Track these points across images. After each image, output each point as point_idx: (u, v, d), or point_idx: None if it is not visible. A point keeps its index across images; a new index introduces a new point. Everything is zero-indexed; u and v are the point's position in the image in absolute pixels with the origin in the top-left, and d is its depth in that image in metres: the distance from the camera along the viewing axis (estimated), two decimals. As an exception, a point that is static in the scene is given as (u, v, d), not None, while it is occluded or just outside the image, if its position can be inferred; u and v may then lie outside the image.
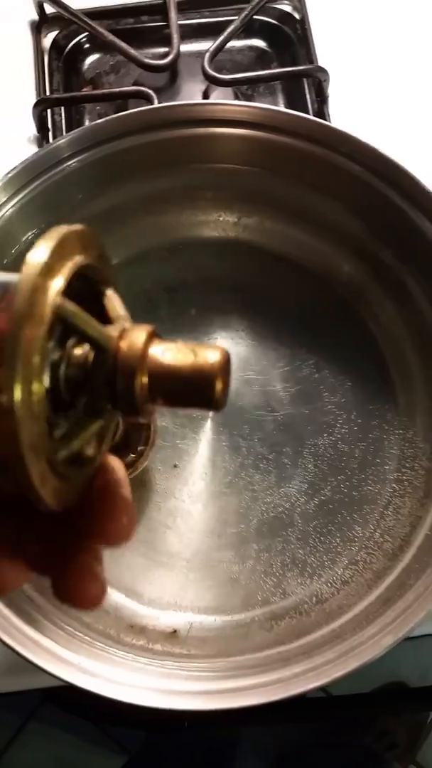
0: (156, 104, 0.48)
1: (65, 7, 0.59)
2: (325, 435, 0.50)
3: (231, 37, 0.59)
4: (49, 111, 0.60)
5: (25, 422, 0.17)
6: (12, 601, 0.40)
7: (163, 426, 0.50)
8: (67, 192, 0.46)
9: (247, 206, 0.51)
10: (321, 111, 0.60)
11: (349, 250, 0.50)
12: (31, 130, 0.60)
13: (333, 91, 0.60)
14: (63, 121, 0.61)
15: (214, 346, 0.21)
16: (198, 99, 0.60)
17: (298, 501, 0.49)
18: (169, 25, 0.60)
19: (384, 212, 0.45)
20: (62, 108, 0.61)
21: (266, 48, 0.65)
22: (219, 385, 0.20)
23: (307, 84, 0.62)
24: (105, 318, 0.22)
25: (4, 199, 0.43)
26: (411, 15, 0.64)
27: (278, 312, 0.52)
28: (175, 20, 0.60)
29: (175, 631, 0.46)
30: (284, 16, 0.64)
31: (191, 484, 0.49)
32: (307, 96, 0.62)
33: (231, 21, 0.60)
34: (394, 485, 0.48)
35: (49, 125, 0.60)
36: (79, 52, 0.64)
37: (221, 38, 0.58)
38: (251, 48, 0.65)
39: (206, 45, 0.60)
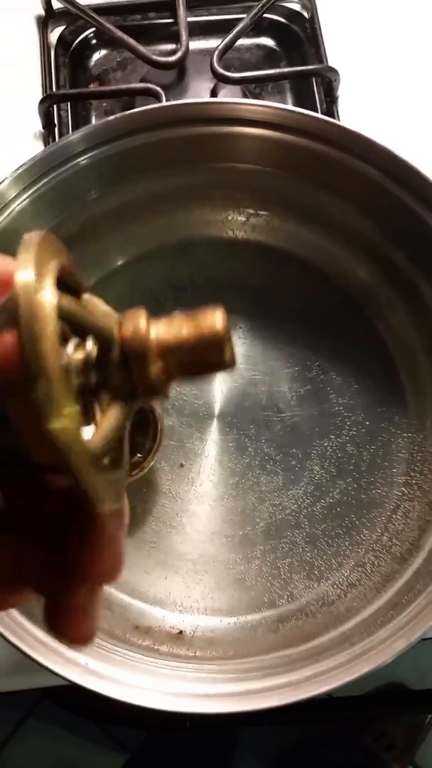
0: (168, 102, 0.48)
1: (72, 2, 0.59)
2: (333, 437, 0.50)
3: (240, 35, 0.58)
4: (55, 107, 0.60)
5: (72, 447, 0.18)
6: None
7: (170, 425, 0.50)
8: (77, 189, 0.45)
9: (256, 206, 0.51)
10: (330, 111, 0.60)
11: (360, 252, 0.50)
12: (37, 126, 0.59)
13: (343, 91, 0.60)
14: (69, 118, 0.61)
15: (209, 309, 0.21)
16: (206, 97, 0.59)
17: (305, 503, 0.49)
18: (178, 22, 0.60)
19: (396, 214, 0.45)
20: (69, 104, 0.61)
21: (275, 47, 0.64)
22: (228, 345, 0.21)
23: (316, 84, 0.61)
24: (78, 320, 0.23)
25: (14, 194, 0.43)
26: (423, 14, 0.64)
27: (287, 312, 0.52)
28: (184, 17, 0.60)
29: (181, 633, 0.46)
30: (293, 15, 0.63)
31: (198, 485, 0.49)
32: (316, 96, 0.61)
33: (240, 19, 0.59)
34: (403, 489, 0.48)
35: (56, 121, 0.60)
36: (86, 48, 0.64)
37: (230, 36, 0.58)
38: (260, 46, 0.64)
39: (214, 43, 0.59)
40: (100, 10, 0.61)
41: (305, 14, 0.63)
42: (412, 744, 1.08)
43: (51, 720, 1.09)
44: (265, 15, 0.61)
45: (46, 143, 0.59)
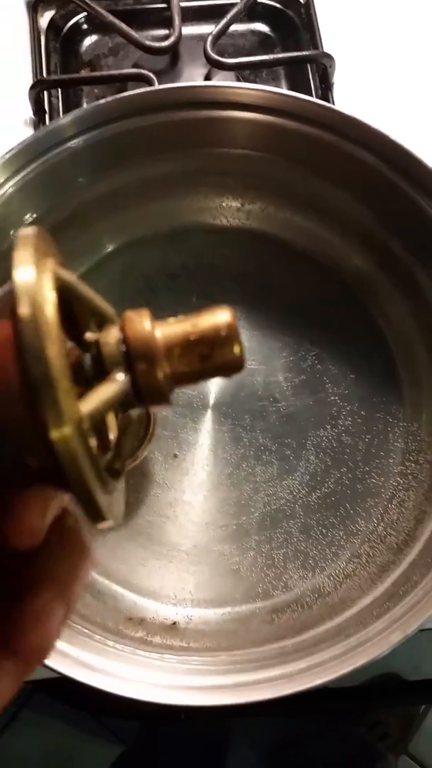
0: (160, 85, 0.47)
1: (64, -14, 0.58)
2: (329, 427, 0.49)
3: (234, 20, 0.58)
4: (46, 93, 0.59)
5: (76, 458, 0.17)
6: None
7: (163, 416, 0.49)
8: (67, 173, 0.45)
9: (251, 193, 0.50)
10: (325, 98, 0.59)
11: (356, 240, 0.49)
12: (27, 112, 0.58)
13: (338, 78, 0.59)
14: (60, 104, 0.60)
15: (216, 308, 0.21)
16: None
17: (300, 493, 0.48)
18: (170, 7, 0.59)
19: (393, 200, 0.44)
20: (59, 91, 0.60)
21: (269, 33, 0.64)
22: (238, 344, 0.20)
23: (312, 70, 0.61)
24: (77, 322, 0.22)
25: (3, 180, 0.42)
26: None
27: (281, 301, 0.51)
28: (177, 2, 0.59)
29: (174, 624, 0.45)
30: (288, 0, 0.62)
31: (192, 475, 0.49)
32: (311, 83, 0.60)
33: (233, 4, 0.58)
34: (399, 479, 0.48)
35: (46, 108, 0.59)
36: (77, 33, 0.63)
37: (224, 21, 0.57)
38: (254, 32, 0.64)
39: (208, 28, 0.59)
40: (91, -7, 0.60)
41: (300, -1, 0.62)
42: (406, 733, 1.08)
43: (45, 712, 1.09)
44: (259, 0, 0.60)
45: (36, 130, 0.59)
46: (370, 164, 0.44)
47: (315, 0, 0.61)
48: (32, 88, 0.56)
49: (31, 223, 0.45)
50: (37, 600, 0.20)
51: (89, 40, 0.63)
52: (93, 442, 0.21)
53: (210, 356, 0.20)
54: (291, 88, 0.62)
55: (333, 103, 0.59)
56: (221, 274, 0.51)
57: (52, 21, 0.62)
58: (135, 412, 0.22)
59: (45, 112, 0.59)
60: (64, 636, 0.39)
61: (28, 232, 0.19)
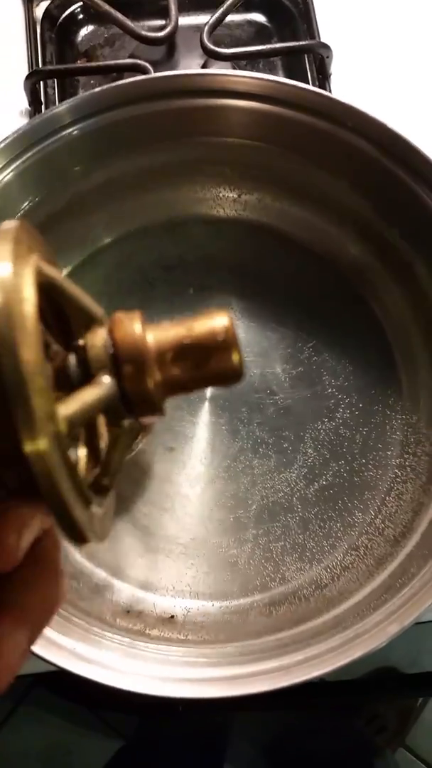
0: (156, 73, 0.47)
1: (59, -25, 0.58)
2: (326, 419, 0.49)
3: (230, 10, 0.57)
4: (41, 84, 0.58)
5: (53, 473, 0.16)
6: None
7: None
8: (63, 162, 0.44)
9: (248, 183, 0.50)
10: (323, 89, 0.58)
11: (354, 230, 0.49)
12: (23, 103, 0.58)
13: (335, 68, 0.58)
14: (56, 95, 0.59)
15: (213, 312, 0.19)
16: (199, 71, 0.58)
17: (298, 486, 0.48)
18: (167, -3, 0.58)
19: (391, 190, 0.44)
20: (55, 81, 0.59)
21: (266, 23, 0.63)
22: (236, 351, 0.19)
23: (309, 61, 0.60)
24: (69, 325, 0.20)
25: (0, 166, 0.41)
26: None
27: (279, 293, 0.51)
28: (173, -9, 0.58)
29: (172, 617, 0.45)
30: (285, -10, 0.62)
31: (189, 468, 0.48)
32: (309, 73, 0.60)
33: (230, -7, 0.58)
34: (397, 471, 0.47)
35: (42, 98, 0.58)
36: (73, 23, 0.62)
37: (220, 11, 0.57)
38: (250, 22, 0.63)
39: (204, 18, 0.58)
40: (87, -17, 0.59)
41: (297, -11, 0.62)
42: (404, 726, 1.08)
43: (44, 707, 1.09)
44: (256, -10, 0.60)
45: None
46: (368, 153, 0.43)
47: (312, -11, 0.61)
48: (28, 78, 0.56)
49: (27, 213, 0.44)
50: None
51: (85, 31, 0.63)
52: (78, 453, 0.20)
53: (205, 363, 0.19)
54: (288, 78, 0.61)
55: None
56: (218, 265, 0.51)
57: (47, 11, 0.61)
58: (126, 425, 0.20)
59: (41, 103, 0.58)
60: (60, 628, 0.39)
61: (10, 225, 0.18)
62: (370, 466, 0.48)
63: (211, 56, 0.56)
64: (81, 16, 0.62)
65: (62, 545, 0.22)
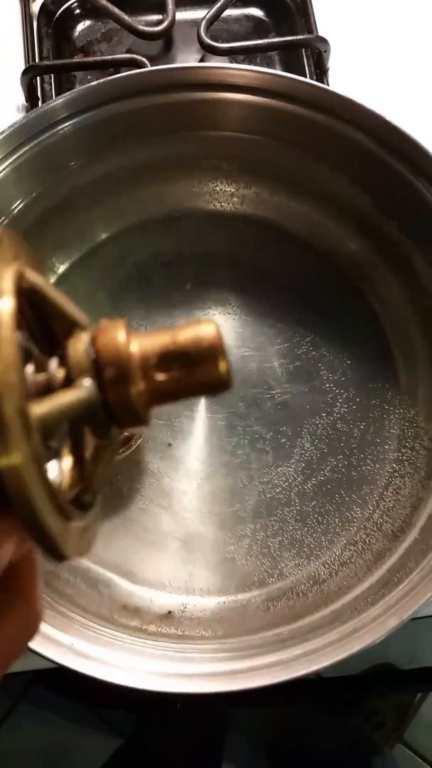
0: (153, 67, 0.47)
1: (55, -30, 0.57)
2: (324, 414, 0.49)
3: (227, 4, 0.57)
4: (38, 79, 0.58)
5: (27, 489, 0.15)
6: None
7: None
8: (59, 157, 0.44)
9: (245, 177, 0.50)
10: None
11: (352, 223, 0.49)
12: (20, 99, 0.58)
13: (333, 63, 0.58)
14: (53, 91, 0.59)
15: (200, 320, 0.19)
16: (195, 66, 0.58)
17: (296, 481, 0.48)
18: (164, -9, 0.58)
19: (389, 183, 0.44)
20: (52, 76, 0.59)
21: (263, 17, 0.63)
22: (223, 360, 0.18)
23: (306, 55, 0.60)
24: (50, 328, 0.20)
25: (-4, 160, 0.41)
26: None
27: (276, 287, 0.51)
28: (170, -14, 0.58)
29: (169, 612, 0.45)
30: (283, -16, 0.62)
31: (186, 463, 0.48)
32: (306, 68, 0.60)
33: (228, -12, 0.58)
34: (394, 465, 0.47)
35: (39, 94, 0.58)
36: (70, 18, 0.62)
37: (217, 5, 0.56)
38: (248, 17, 0.63)
39: (201, 13, 0.58)
40: (83, -22, 0.59)
41: (294, -17, 0.62)
42: (402, 722, 1.08)
43: (42, 705, 1.09)
44: (253, -16, 0.60)
45: (28, 115, 0.58)
46: (366, 146, 0.43)
47: (310, -16, 0.61)
48: (24, 73, 0.55)
49: (23, 209, 0.44)
50: None
51: (82, 26, 0.62)
52: (63, 465, 0.19)
53: (191, 372, 0.18)
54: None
55: (328, 89, 0.58)
56: (216, 260, 0.51)
57: (44, 6, 0.61)
58: (113, 436, 0.20)
59: (38, 98, 0.58)
60: (58, 625, 0.39)
61: None
62: (368, 461, 0.48)
63: (208, 51, 0.56)
64: (78, 11, 0.62)
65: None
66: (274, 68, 0.61)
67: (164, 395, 0.19)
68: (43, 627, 0.38)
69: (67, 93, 0.41)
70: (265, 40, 0.59)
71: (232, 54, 0.57)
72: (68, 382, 0.18)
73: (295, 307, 0.50)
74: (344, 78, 0.59)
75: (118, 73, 0.57)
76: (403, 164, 0.43)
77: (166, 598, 0.46)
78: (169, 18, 0.57)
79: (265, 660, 0.38)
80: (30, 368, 0.18)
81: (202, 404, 0.49)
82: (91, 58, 0.60)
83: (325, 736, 0.99)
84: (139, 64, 0.54)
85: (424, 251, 0.46)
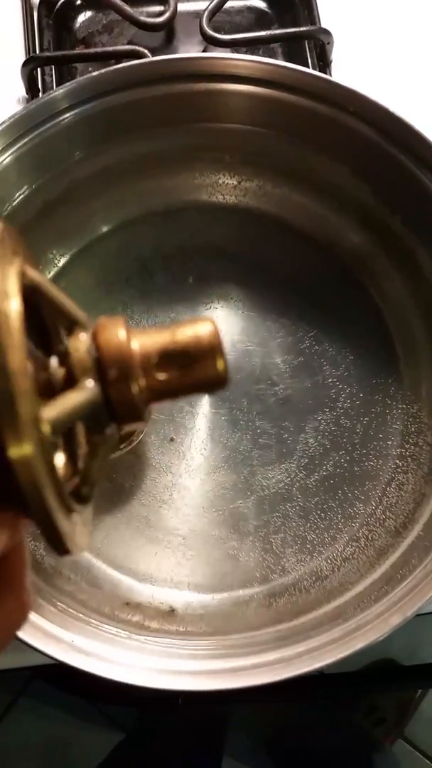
0: (155, 57, 0.46)
1: (56, -40, 0.57)
2: (327, 410, 0.48)
3: (230, -5, 0.56)
4: (39, 71, 0.57)
5: (38, 480, 0.15)
6: None
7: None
8: (60, 148, 0.44)
9: (248, 169, 0.49)
10: (323, 75, 0.58)
11: (355, 216, 0.48)
12: (20, 91, 0.57)
13: (336, 55, 0.58)
14: (54, 83, 0.59)
15: (198, 319, 0.19)
16: (197, 57, 0.57)
17: (298, 476, 0.47)
18: (166, -18, 0.58)
19: (393, 175, 0.43)
20: (53, 68, 0.59)
21: (266, 9, 0.62)
22: (221, 358, 0.19)
23: (309, 47, 0.59)
24: (48, 330, 0.20)
25: (-3, 150, 0.41)
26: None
27: (279, 281, 0.50)
28: (172, -23, 0.57)
29: (171, 609, 0.45)
30: (285, -25, 0.61)
31: (188, 459, 0.48)
32: (309, 60, 0.59)
33: (230, -21, 0.57)
34: (398, 461, 0.47)
35: (39, 86, 0.58)
36: (71, 9, 0.61)
37: (220, -4, 0.56)
38: (250, 9, 0.62)
39: (203, 4, 0.57)
40: (84, -32, 0.59)
41: (297, -26, 0.61)
42: (402, 718, 1.08)
43: (43, 699, 1.09)
44: (256, -25, 0.59)
45: (28, 106, 0.58)
46: (369, 138, 0.43)
47: (313, -25, 0.60)
48: (25, 65, 0.55)
49: (23, 201, 0.44)
50: None
51: (83, 17, 0.62)
52: (57, 461, 0.19)
53: (190, 370, 0.19)
54: (288, 65, 0.61)
55: (331, 80, 0.58)
56: (217, 253, 0.51)
57: (44, -4, 0.61)
58: (108, 433, 0.20)
59: (38, 90, 0.57)
60: (58, 621, 0.39)
61: None
62: (370, 457, 0.48)
63: (210, 42, 0.55)
64: (79, 2, 0.61)
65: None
66: (277, 60, 0.61)
67: (163, 393, 0.19)
68: (44, 623, 0.37)
69: (68, 83, 0.41)
70: (268, 32, 0.58)
71: (234, 46, 0.57)
72: (69, 381, 0.18)
73: (297, 302, 0.50)
74: (347, 70, 0.58)
75: (120, 64, 0.57)
76: (407, 156, 0.42)
77: (168, 595, 0.45)
78: (171, 9, 0.56)
79: (268, 657, 0.38)
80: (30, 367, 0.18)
81: (204, 400, 0.49)
82: (92, 50, 0.59)
83: (326, 732, 0.99)
84: (140, 56, 0.54)
85: (428, 244, 0.45)
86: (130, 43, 0.58)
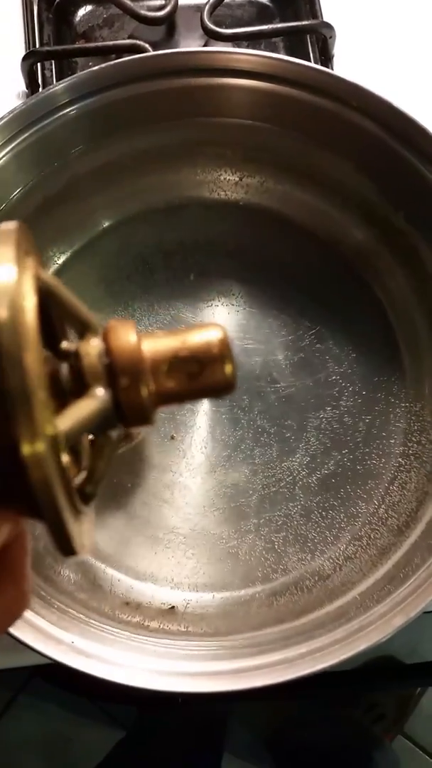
0: (156, 51, 0.46)
1: None
2: (329, 408, 0.48)
3: (232, -12, 0.56)
4: (39, 65, 0.57)
5: (49, 478, 0.16)
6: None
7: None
8: (60, 144, 0.43)
9: (250, 165, 0.49)
10: (325, 69, 0.57)
11: (358, 213, 0.48)
12: (20, 85, 0.57)
13: (339, 49, 0.57)
14: (54, 77, 0.58)
15: (207, 324, 0.19)
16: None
17: (300, 475, 0.47)
18: (167, -24, 0.57)
19: (396, 171, 0.43)
20: (53, 63, 0.58)
21: (267, 2, 0.62)
22: (229, 363, 0.19)
23: (311, 42, 0.59)
24: (53, 329, 0.20)
25: (-3, 145, 0.40)
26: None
27: (281, 278, 0.50)
28: (173, -30, 0.57)
29: (172, 608, 0.44)
30: (287, -32, 0.61)
31: (189, 457, 0.48)
32: (311, 55, 0.59)
33: (231, -28, 0.57)
34: (400, 459, 0.47)
35: (39, 80, 0.57)
36: (71, 3, 0.61)
37: (221, -11, 0.55)
38: (251, 2, 0.62)
39: (205, -2, 0.57)
40: (84, -39, 0.58)
41: (299, -33, 0.60)
42: (402, 715, 1.08)
43: (43, 696, 1.09)
44: (257, -31, 0.59)
45: (28, 101, 0.57)
46: (373, 133, 0.42)
47: (315, -32, 0.59)
48: (25, 59, 0.55)
49: (23, 196, 0.44)
50: None
51: (83, 11, 0.61)
52: (66, 462, 0.19)
53: (199, 375, 0.19)
54: (290, 60, 0.60)
55: (333, 76, 0.57)
56: (219, 250, 0.50)
57: (44, -10, 0.60)
58: (113, 434, 0.20)
59: (38, 85, 0.57)
60: (58, 622, 0.39)
61: (9, 226, 0.17)
62: (373, 455, 0.47)
63: (211, 36, 0.55)
64: (79, -5, 0.61)
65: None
66: (279, 54, 0.60)
67: (171, 397, 0.19)
68: (44, 624, 0.37)
69: (68, 78, 0.41)
70: (270, 26, 0.58)
71: (235, 40, 0.56)
72: (80, 386, 0.18)
73: (299, 299, 0.50)
74: (350, 64, 0.58)
75: (120, 59, 0.56)
76: (410, 152, 0.42)
77: (169, 594, 0.45)
78: (172, 3, 0.56)
79: (270, 658, 0.38)
80: None
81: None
82: (92, 44, 0.59)
83: (326, 729, 0.99)
84: (141, 50, 0.53)
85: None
86: (130, 37, 0.58)
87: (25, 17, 0.59)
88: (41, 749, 1.08)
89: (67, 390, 0.19)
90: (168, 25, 0.58)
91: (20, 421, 0.15)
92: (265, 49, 0.60)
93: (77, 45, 0.60)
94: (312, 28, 0.57)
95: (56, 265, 0.49)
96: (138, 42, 0.54)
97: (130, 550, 0.46)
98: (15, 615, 0.21)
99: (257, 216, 0.50)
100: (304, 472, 0.47)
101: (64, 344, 0.20)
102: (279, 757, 1.01)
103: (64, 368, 0.19)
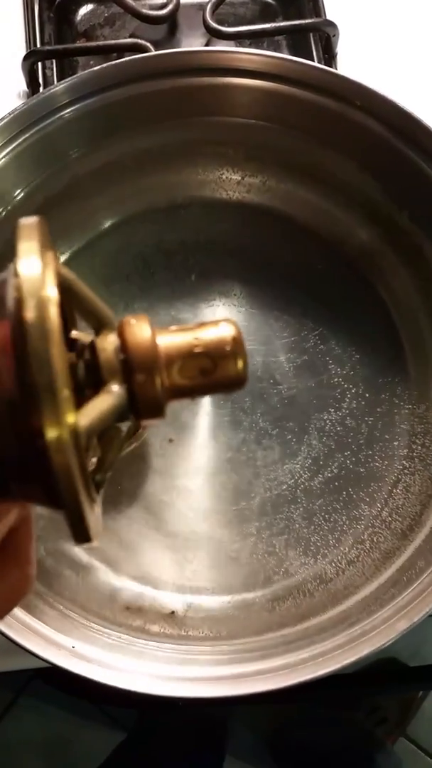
0: (158, 51, 0.45)
1: None
2: (332, 410, 0.48)
3: (234, -14, 0.56)
4: (39, 64, 0.57)
5: (69, 464, 0.16)
6: None
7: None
8: (61, 144, 0.43)
9: (252, 164, 0.49)
10: (328, 68, 0.57)
11: (361, 212, 0.47)
12: (21, 85, 0.57)
13: (342, 48, 0.57)
14: (55, 76, 0.58)
15: (220, 320, 0.20)
16: (200, 51, 0.57)
17: (302, 478, 0.47)
18: (168, -26, 0.57)
19: (400, 170, 0.43)
20: (54, 62, 0.58)
21: (270, 0, 0.62)
22: (241, 358, 0.19)
23: (314, 40, 0.59)
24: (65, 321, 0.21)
25: (-4, 147, 0.40)
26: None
27: (283, 278, 0.49)
28: (175, -32, 0.57)
29: (173, 612, 0.44)
30: (290, -34, 0.60)
31: (190, 460, 0.47)
32: (314, 53, 0.58)
33: (234, -30, 0.56)
34: (404, 462, 0.46)
35: (40, 80, 0.57)
36: (72, 2, 0.61)
37: (224, -12, 0.55)
38: (254, 1, 0.62)
39: (207, -4, 0.57)
40: (85, -40, 0.58)
41: (302, -35, 0.60)
42: (405, 717, 1.08)
43: (44, 699, 1.09)
44: (260, -33, 0.58)
45: (29, 101, 0.57)
46: (376, 132, 0.42)
47: (318, -34, 0.59)
48: (25, 59, 0.54)
49: (24, 197, 0.43)
50: None
51: (84, 10, 0.61)
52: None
53: (212, 370, 0.19)
54: (293, 58, 0.60)
55: (336, 75, 0.57)
56: (221, 250, 0.50)
57: (45, -11, 0.60)
58: (124, 426, 0.21)
59: (39, 84, 0.57)
60: (58, 626, 0.38)
61: (30, 221, 0.18)
62: (376, 458, 0.47)
63: (214, 35, 0.54)
64: (80, -6, 0.60)
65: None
66: (282, 53, 0.60)
67: (184, 392, 0.20)
68: (44, 629, 0.37)
69: (69, 78, 0.40)
70: (273, 24, 0.58)
71: (238, 38, 0.56)
72: (94, 378, 0.19)
73: (302, 299, 0.49)
74: (353, 63, 0.58)
75: (122, 58, 0.56)
76: (414, 150, 0.42)
77: (169, 598, 0.45)
78: (174, 1, 0.55)
79: (272, 663, 0.37)
80: None
81: (206, 399, 0.48)
82: (93, 43, 0.59)
83: (328, 731, 0.99)
84: (142, 49, 0.53)
85: (437, 242, 0.44)
86: (132, 36, 0.58)
87: (26, 16, 0.59)
88: (42, 751, 1.08)
89: (82, 383, 0.19)
90: (170, 24, 0.58)
91: (45, 411, 0.16)
92: (268, 48, 0.60)
93: (78, 44, 0.59)
94: (315, 27, 0.57)
95: (57, 265, 0.49)
96: (140, 41, 0.54)
97: (129, 553, 0.46)
98: (18, 596, 0.21)
99: (259, 215, 0.50)
100: (306, 475, 0.47)
101: (74, 333, 0.21)
102: (280, 758, 1.01)
103: (81, 364, 0.19)
